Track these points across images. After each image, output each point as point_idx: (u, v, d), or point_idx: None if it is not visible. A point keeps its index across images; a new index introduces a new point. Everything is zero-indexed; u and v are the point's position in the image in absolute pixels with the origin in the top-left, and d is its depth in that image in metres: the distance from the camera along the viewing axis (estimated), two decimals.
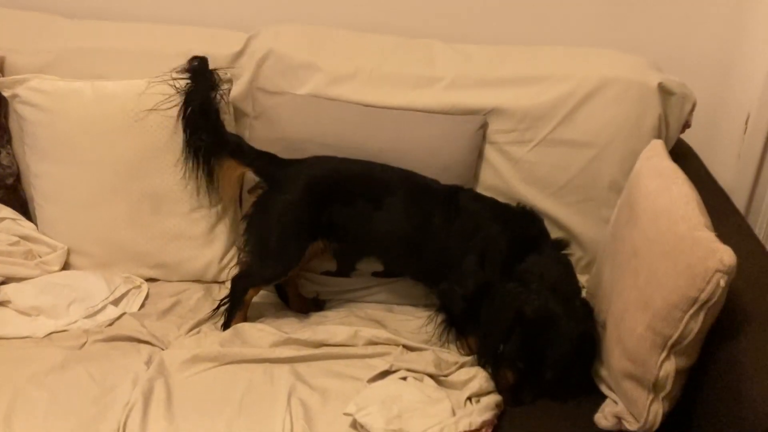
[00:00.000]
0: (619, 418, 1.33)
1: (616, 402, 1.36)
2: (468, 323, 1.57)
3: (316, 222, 1.62)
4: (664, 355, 1.21)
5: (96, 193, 1.77)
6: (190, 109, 1.68)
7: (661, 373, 1.22)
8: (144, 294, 1.76)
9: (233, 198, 1.81)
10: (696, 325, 1.17)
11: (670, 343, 1.20)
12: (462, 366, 1.52)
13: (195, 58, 1.73)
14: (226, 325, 1.66)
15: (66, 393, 1.40)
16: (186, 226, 1.79)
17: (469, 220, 1.60)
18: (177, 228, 1.79)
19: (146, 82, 1.73)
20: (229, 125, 1.78)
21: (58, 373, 1.45)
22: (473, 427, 1.33)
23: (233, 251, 1.84)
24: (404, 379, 1.46)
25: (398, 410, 1.35)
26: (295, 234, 1.64)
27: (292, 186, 1.63)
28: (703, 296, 1.14)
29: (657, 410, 1.26)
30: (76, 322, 1.64)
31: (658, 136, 1.72)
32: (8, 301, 1.64)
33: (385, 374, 1.48)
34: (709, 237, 1.17)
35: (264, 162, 1.67)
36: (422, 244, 1.61)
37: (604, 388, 1.42)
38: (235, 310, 1.66)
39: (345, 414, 1.36)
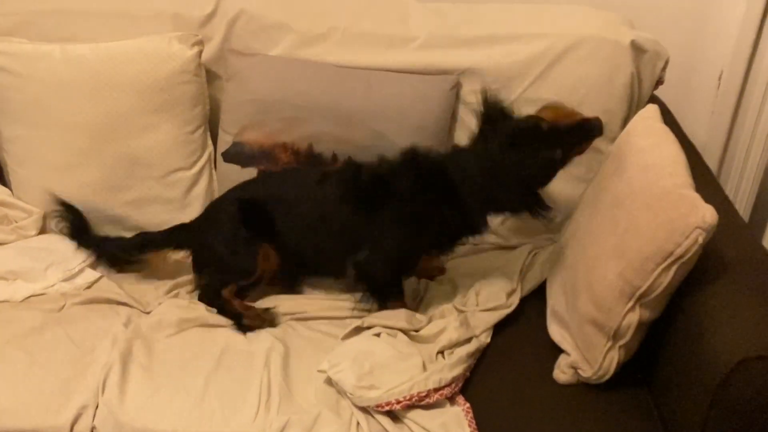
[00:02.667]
0: (574, 368, 1.37)
1: (569, 354, 1.39)
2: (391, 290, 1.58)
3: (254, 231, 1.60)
4: (630, 305, 1.24)
5: (69, 156, 1.76)
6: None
7: (624, 322, 1.25)
8: None
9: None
10: (666, 279, 1.20)
11: (638, 294, 1.23)
12: (431, 320, 1.54)
13: None
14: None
15: (45, 354, 1.42)
16: (161, 189, 1.79)
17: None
18: (152, 191, 1.79)
19: (116, 44, 1.72)
20: (201, 89, 1.78)
21: (36, 335, 1.47)
22: (443, 384, 1.36)
23: None
24: (378, 335, 1.48)
25: (369, 366, 1.37)
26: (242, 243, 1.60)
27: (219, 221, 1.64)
28: (679, 251, 1.17)
29: (613, 357, 1.30)
30: (53, 285, 1.64)
31: (631, 94, 1.73)
32: None
33: (358, 330, 1.51)
34: (694, 195, 1.20)
35: (176, 235, 1.69)
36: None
37: (558, 335, 1.45)
38: (225, 310, 1.62)
39: (319, 371, 1.39)
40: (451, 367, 1.39)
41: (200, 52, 1.76)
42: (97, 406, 1.34)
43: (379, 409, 1.31)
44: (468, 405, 1.35)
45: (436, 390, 1.34)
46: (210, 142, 1.85)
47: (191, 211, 1.81)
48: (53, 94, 1.74)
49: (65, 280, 1.66)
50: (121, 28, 1.79)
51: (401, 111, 1.71)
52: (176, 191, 1.81)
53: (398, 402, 1.31)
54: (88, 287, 1.66)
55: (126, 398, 1.35)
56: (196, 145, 1.81)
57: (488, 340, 1.49)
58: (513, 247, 1.79)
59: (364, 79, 1.73)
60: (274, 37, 1.78)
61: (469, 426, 1.31)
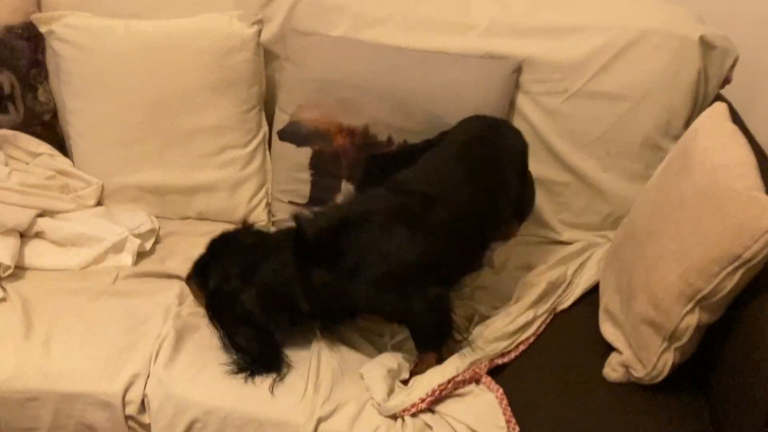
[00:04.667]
0: (626, 367, 1.34)
1: (621, 353, 1.37)
2: None
3: None
4: (689, 306, 1.21)
5: (128, 130, 1.79)
6: None
7: (682, 324, 1.22)
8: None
9: None
10: (730, 284, 1.17)
11: (699, 296, 1.19)
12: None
13: None
14: None
15: (101, 323, 1.45)
16: (215, 166, 1.81)
17: None
18: (206, 168, 1.81)
19: (178, 21, 1.74)
20: (259, 68, 1.79)
21: (93, 303, 1.51)
22: (461, 370, 1.33)
23: (262, 193, 1.87)
24: None
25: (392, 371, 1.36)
26: None
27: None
28: (747, 254, 1.13)
29: (667, 359, 1.27)
30: (107, 254, 1.67)
31: (697, 91, 1.68)
32: (44, 233, 1.67)
33: None
34: (765, 198, 1.16)
35: None
36: None
37: (610, 334, 1.42)
38: None
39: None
40: (471, 352, 1.37)
41: (259, 32, 1.77)
42: (148, 376, 1.38)
43: (406, 413, 1.30)
44: (501, 391, 1.33)
45: (454, 378, 1.32)
46: (265, 122, 1.86)
47: (245, 189, 1.83)
48: (115, 69, 1.76)
49: (118, 252, 1.68)
50: (183, 7, 1.80)
51: (459, 94, 1.69)
52: (230, 169, 1.82)
53: (422, 400, 1.30)
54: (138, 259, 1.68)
55: (176, 371, 1.38)
56: (252, 125, 1.83)
57: (525, 321, 1.46)
58: (565, 242, 1.77)
59: (422, 61, 1.71)
60: (334, 19, 1.78)
61: (504, 414, 1.30)
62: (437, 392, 1.30)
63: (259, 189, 1.86)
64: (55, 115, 1.92)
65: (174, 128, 1.78)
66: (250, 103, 1.80)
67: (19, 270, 1.59)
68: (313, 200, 1.80)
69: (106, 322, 1.46)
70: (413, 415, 1.30)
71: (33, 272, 1.60)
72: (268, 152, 1.87)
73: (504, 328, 1.42)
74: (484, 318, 1.49)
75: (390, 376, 1.36)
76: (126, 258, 1.67)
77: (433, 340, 1.38)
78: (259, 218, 1.86)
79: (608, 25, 1.69)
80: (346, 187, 1.77)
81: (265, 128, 1.86)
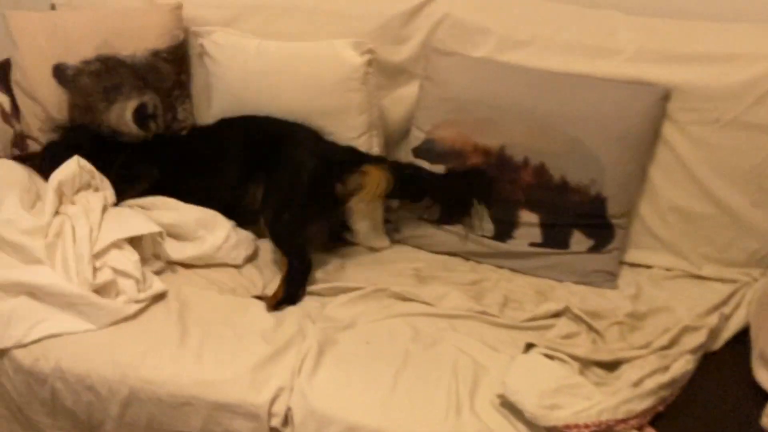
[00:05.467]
0: None
1: None
2: None
3: None
4: None
5: None
6: None
7: None
8: None
9: None
10: None
11: None
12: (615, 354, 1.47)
13: None
14: None
15: (248, 332, 1.47)
16: None
17: None
18: None
19: (298, 45, 1.78)
20: (368, 97, 1.78)
21: (240, 312, 1.54)
22: (632, 415, 1.29)
23: None
24: (550, 357, 1.43)
25: (551, 386, 1.32)
26: None
27: None
28: None
29: None
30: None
31: None
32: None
33: (528, 347, 1.47)
34: None
35: None
36: None
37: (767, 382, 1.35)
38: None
39: (498, 396, 1.35)
40: (641, 398, 1.32)
41: (370, 61, 1.76)
42: (292, 389, 1.39)
43: (566, 431, 1.27)
44: None
45: (624, 420, 1.28)
46: (376, 147, 1.84)
47: None
48: (244, 87, 1.82)
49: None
50: (325, 25, 1.84)
51: (602, 119, 1.65)
52: None
53: (586, 426, 1.26)
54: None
55: (319, 385, 1.38)
56: (362, 150, 1.82)
57: (685, 369, 1.40)
58: (704, 278, 1.71)
59: (564, 83, 1.69)
60: (476, 40, 1.78)
61: None
62: (603, 425, 1.26)
63: None
64: None
65: None
66: (360, 130, 1.81)
67: (171, 264, 1.67)
68: (443, 218, 1.80)
69: (253, 331, 1.48)
70: None
71: (184, 271, 1.67)
72: None
73: (661, 377, 1.37)
74: (629, 359, 1.45)
75: (539, 379, 1.33)
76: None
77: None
78: (368, 239, 1.85)
79: (763, 54, 1.63)
80: (478, 208, 1.77)
81: (376, 151, 1.85)
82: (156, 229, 1.62)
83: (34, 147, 1.93)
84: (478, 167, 1.74)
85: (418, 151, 1.80)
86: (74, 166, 1.65)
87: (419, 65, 1.83)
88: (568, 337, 1.52)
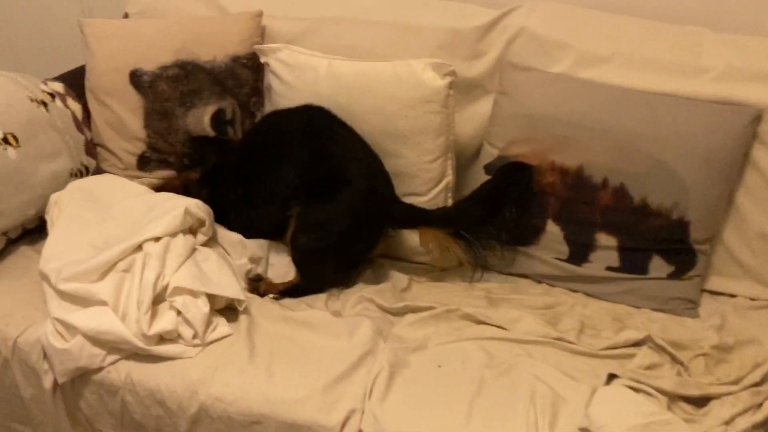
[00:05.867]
0: None
1: None
2: None
3: None
4: None
5: None
6: None
7: None
8: None
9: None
10: None
11: None
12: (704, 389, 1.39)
13: None
14: None
15: (317, 351, 1.44)
16: None
17: None
18: None
19: (374, 65, 1.71)
20: (447, 120, 1.71)
21: (307, 329, 1.50)
22: None
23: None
24: (634, 390, 1.37)
25: (637, 421, 1.26)
26: None
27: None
28: None
29: None
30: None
31: None
32: None
33: (610, 377, 1.41)
34: None
35: None
36: None
37: None
38: None
39: (580, 429, 1.30)
40: None
41: (451, 83, 1.69)
42: (363, 411, 1.35)
43: None
44: None
45: None
46: (450, 170, 1.78)
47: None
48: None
49: None
50: (399, 39, 1.81)
51: (687, 140, 1.58)
52: None
53: None
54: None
55: (390, 408, 1.33)
56: (434, 174, 1.76)
57: None
58: None
59: (648, 102, 1.62)
60: (554, 55, 1.73)
61: None
62: None
63: None
64: None
65: None
66: (435, 153, 1.74)
67: None
68: (514, 238, 1.75)
69: (321, 348, 1.44)
70: None
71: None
72: (449, 199, 1.80)
73: (755, 416, 1.29)
74: (719, 395, 1.37)
75: (625, 414, 1.27)
76: None
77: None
78: (436, 259, 1.77)
79: None
80: (552, 228, 1.71)
81: (449, 177, 1.78)
82: (241, 297, 1.52)
83: (104, 155, 1.95)
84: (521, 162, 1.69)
85: (490, 168, 1.75)
86: (178, 222, 1.55)
87: (494, 80, 1.78)
88: (651, 368, 1.45)
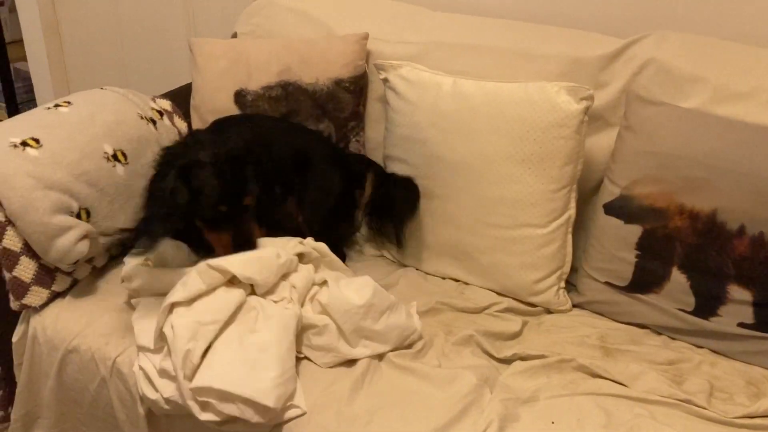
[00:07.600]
0: None
1: None
2: None
3: None
4: None
5: (431, 187, 1.73)
6: None
7: None
8: None
9: None
10: None
11: None
12: None
13: None
14: None
15: (421, 399, 1.35)
16: (505, 241, 1.67)
17: None
18: (497, 241, 1.68)
19: (503, 85, 1.63)
20: (578, 147, 1.61)
21: (415, 377, 1.41)
22: None
23: (553, 278, 1.67)
24: None
25: None
26: None
27: None
28: None
29: None
30: None
31: None
32: None
33: None
34: None
35: None
36: None
37: None
38: None
39: None
40: None
41: (587, 108, 1.59)
42: None
43: None
44: None
45: None
46: (573, 204, 1.67)
47: (532, 271, 1.66)
48: (433, 125, 1.70)
49: None
50: (512, 66, 1.73)
51: None
52: (522, 247, 1.66)
53: None
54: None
55: None
56: (557, 205, 1.65)
57: None
58: None
59: None
60: (686, 89, 1.59)
61: None
62: None
63: (550, 273, 1.68)
64: None
65: (473, 193, 1.68)
66: (561, 182, 1.63)
67: None
68: (634, 285, 1.60)
69: (422, 392, 1.35)
70: None
71: None
72: (570, 235, 1.69)
73: None
74: None
75: None
76: None
77: None
78: (548, 301, 1.68)
79: None
80: (677, 277, 1.56)
81: (571, 210, 1.67)
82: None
83: None
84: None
85: (610, 208, 1.62)
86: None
87: (616, 113, 1.67)
88: None
